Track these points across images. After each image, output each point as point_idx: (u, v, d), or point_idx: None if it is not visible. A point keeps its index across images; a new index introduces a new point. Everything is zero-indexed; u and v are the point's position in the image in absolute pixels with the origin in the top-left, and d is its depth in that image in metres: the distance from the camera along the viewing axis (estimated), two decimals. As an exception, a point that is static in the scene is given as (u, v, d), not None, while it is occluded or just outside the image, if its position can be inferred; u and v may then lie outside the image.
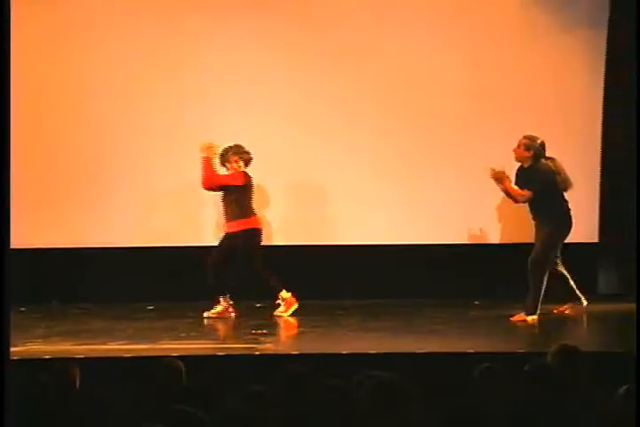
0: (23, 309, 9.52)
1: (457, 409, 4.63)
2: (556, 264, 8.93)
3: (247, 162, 9.17)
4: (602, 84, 10.00)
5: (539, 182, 8.66)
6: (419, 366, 6.45)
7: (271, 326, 8.60)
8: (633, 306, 8.92)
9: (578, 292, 8.96)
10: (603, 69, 10.00)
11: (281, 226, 10.09)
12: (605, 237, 10.10)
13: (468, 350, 7.35)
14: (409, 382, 4.81)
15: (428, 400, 4.82)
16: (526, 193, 8.70)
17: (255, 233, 9.19)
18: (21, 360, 7.14)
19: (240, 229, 9.11)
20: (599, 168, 10.05)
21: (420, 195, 10.04)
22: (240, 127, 9.84)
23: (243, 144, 9.21)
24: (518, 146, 8.76)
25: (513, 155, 8.80)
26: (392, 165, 10.04)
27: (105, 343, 8.04)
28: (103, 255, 9.85)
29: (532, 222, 8.93)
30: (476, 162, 9.77)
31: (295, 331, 8.44)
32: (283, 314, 9.08)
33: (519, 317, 8.73)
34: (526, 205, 8.86)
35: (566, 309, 9.02)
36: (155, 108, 10.05)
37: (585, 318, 9.07)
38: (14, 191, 9.35)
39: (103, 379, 5.93)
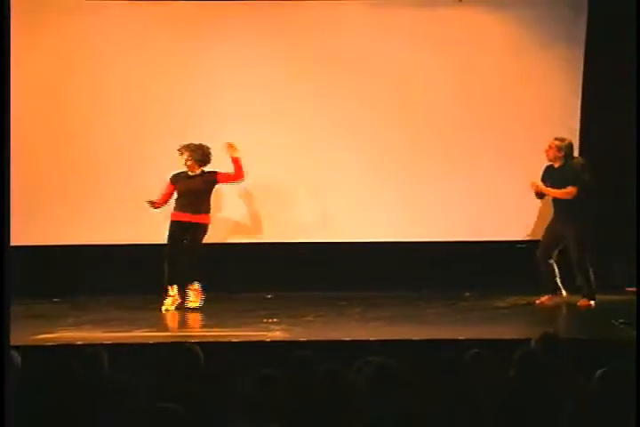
0: (56, 299, 9.53)
1: (448, 391, 4.62)
2: (550, 257, 8.95)
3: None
4: (579, 94, 9.97)
5: (579, 178, 8.71)
6: (414, 352, 6.43)
7: (281, 315, 8.56)
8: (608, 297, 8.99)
9: (560, 284, 8.97)
10: (580, 81, 9.97)
11: (296, 224, 10.04)
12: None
13: (459, 337, 7.34)
14: (405, 367, 4.80)
15: (422, 383, 4.82)
16: (572, 190, 8.73)
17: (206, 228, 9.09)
18: (54, 346, 7.18)
19: (201, 221, 9.02)
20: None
21: (416, 197, 10.02)
22: (246, 130, 9.76)
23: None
24: (550, 148, 8.82)
25: (544, 155, 8.89)
26: (394, 170, 10.02)
27: (130, 331, 8.04)
28: (117, 251, 9.80)
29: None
30: (469, 164, 9.83)
31: (302, 320, 8.40)
32: (194, 305, 8.91)
33: (585, 302, 8.82)
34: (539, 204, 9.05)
35: (547, 299, 8.99)
36: (156, 111, 9.95)
37: (565, 308, 9.05)
38: (22, 190, 9.51)
39: (129, 363, 5.92)
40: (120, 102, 9.97)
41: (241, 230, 10.09)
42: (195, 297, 8.95)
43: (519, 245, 9.85)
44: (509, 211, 9.76)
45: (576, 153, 9.69)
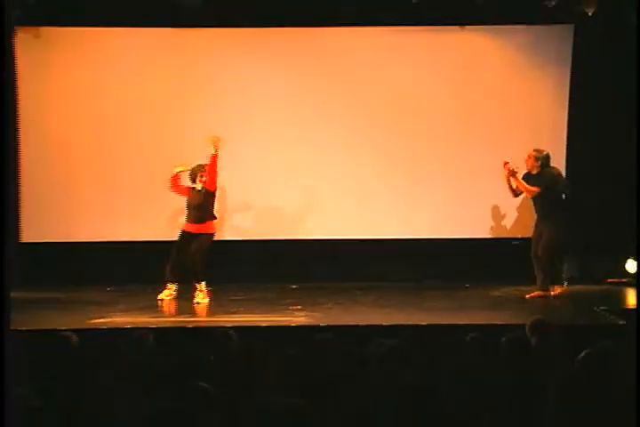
0: (109, 288, 9.57)
1: (449, 369, 4.63)
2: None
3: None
4: (566, 108, 9.99)
5: (545, 182, 8.72)
6: (420, 335, 6.44)
7: (304, 303, 8.58)
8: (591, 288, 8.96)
9: (549, 282, 8.91)
10: (567, 97, 9.98)
11: (321, 224, 10.07)
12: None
13: (459, 323, 7.35)
14: (412, 348, 4.82)
15: (427, 362, 4.83)
16: (534, 189, 8.72)
17: (212, 236, 8.88)
18: (107, 329, 7.22)
19: (206, 231, 8.81)
20: (564, 174, 10.03)
21: (423, 200, 10.04)
22: (268, 134, 9.89)
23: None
24: (529, 157, 8.83)
25: (525, 164, 8.87)
26: (405, 178, 10.06)
27: (172, 316, 8.08)
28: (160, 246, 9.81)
29: (526, 220, 9.02)
30: (469, 171, 9.83)
31: (323, 307, 8.42)
32: (204, 302, 8.74)
33: (536, 293, 8.77)
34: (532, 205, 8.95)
35: (537, 295, 8.91)
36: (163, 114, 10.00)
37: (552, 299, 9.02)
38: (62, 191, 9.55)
39: (172, 344, 5.95)
40: (138, 111, 10.00)
41: (270, 229, 10.12)
42: (203, 296, 8.74)
43: (514, 242, 9.85)
44: (504, 212, 9.77)
45: (564, 161, 9.74)
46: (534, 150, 8.86)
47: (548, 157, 8.86)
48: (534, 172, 8.84)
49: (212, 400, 3.57)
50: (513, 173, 8.79)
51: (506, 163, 8.78)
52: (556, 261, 8.82)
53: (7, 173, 4.44)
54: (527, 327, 5.55)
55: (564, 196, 8.87)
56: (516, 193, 9.00)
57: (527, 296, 8.85)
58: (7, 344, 3.52)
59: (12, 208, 9.89)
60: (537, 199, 8.84)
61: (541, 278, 8.88)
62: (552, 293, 8.85)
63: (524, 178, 8.88)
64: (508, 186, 8.95)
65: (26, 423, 2.84)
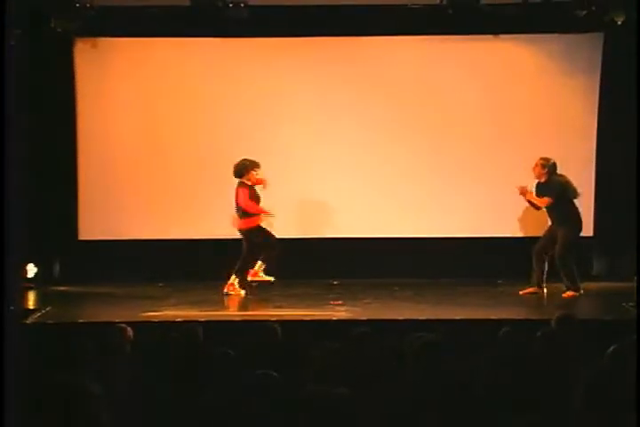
0: (161, 284, 9.64)
1: (484, 361, 4.63)
2: (546, 254, 8.76)
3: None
4: (595, 114, 9.92)
5: (554, 192, 8.61)
6: (455, 329, 6.43)
7: (345, 298, 8.58)
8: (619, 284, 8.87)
9: (544, 280, 8.75)
10: (596, 102, 9.92)
11: (363, 223, 10.06)
12: (598, 232, 10.02)
13: (492, 317, 7.32)
14: (447, 342, 4.81)
15: (462, 355, 4.82)
16: (546, 200, 8.66)
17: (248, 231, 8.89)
18: (159, 322, 7.28)
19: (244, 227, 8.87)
20: (594, 178, 9.98)
21: (456, 198, 10.02)
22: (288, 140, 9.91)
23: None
24: (536, 165, 8.73)
25: (532, 173, 8.77)
26: (441, 180, 10.05)
27: (221, 310, 8.12)
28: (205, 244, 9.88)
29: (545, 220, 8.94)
30: (497, 175, 9.79)
31: (362, 302, 8.41)
32: (234, 293, 8.80)
33: (569, 293, 8.56)
34: (545, 211, 8.82)
35: (531, 291, 8.75)
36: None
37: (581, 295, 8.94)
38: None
39: (220, 337, 5.98)
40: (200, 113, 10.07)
41: (314, 227, 10.16)
42: (232, 288, 8.81)
43: None
44: (533, 212, 9.67)
45: (593, 165, 9.66)
46: (541, 158, 8.73)
47: (554, 165, 8.71)
48: (542, 180, 8.71)
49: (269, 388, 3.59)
50: (524, 193, 8.69)
51: (517, 187, 8.67)
52: (571, 263, 8.65)
53: (7, 172, 4.47)
54: (553, 321, 5.53)
55: (575, 201, 8.73)
56: (537, 207, 8.89)
57: (521, 292, 8.72)
58: (7, 344, 3.55)
59: (71, 208, 10.04)
60: (549, 207, 8.76)
61: (537, 275, 8.73)
62: (522, 292, 8.70)
63: (536, 187, 8.78)
64: (528, 204, 8.89)
65: (84, 411, 2.88)
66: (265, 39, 9.98)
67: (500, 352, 4.92)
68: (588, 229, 9.88)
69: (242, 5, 9.27)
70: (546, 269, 8.76)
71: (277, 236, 9.07)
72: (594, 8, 9.11)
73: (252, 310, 8.30)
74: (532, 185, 8.83)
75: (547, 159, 8.73)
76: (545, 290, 8.77)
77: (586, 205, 9.77)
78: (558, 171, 8.77)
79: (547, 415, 3.71)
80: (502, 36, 9.98)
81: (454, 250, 9.85)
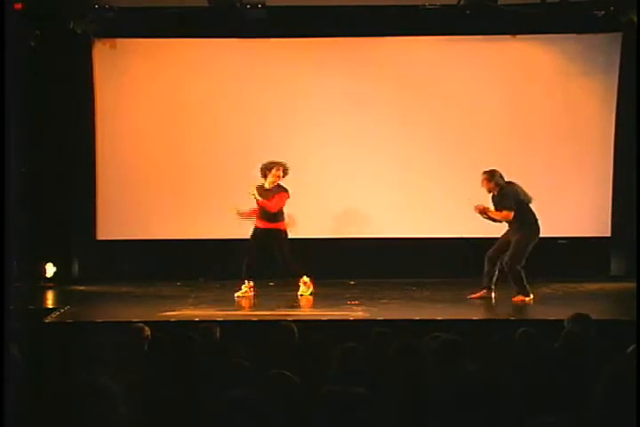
0: (179, 283, 9.65)
1: (502, 361, 4.59)
2: (499, 258, 8.49)
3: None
4: (614, 113, 9.90)
5: (509, 201, 8.37)
6: (473, 329, 6.39)
7: (362, 298, 8.55)
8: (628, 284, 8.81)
9: (494, 283, 8.54)
10: (614, 101, 9.90)
11: (382, 224, 10.07)
12: (616, 233, 9.96)
13: (511, 318, 7.28)
14: (465, 341, 4.78)
15: (480, 354, 4.78)
16: (505, 213, 8.38)
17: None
18: (176, 321, 7.27)
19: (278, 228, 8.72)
20: (612, 179, 9.91)
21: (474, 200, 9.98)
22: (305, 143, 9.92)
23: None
24: (483, 180, 8.43)
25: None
26: (460, 182, 9.96)
27: (238, 310, 8.11)
28: (225, 244, 9.85)
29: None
30: (518, 176, 9.72)
31: (379, 302, 8.39)
32: (305, 293, 8.73)
33: (519, 298, 8.33)
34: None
35: (481, 294, 8.53)
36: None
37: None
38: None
39: (236, 336, 5.97)
40: (229, 115, 10.09)
41: (332, 228, 10.13)
42: (305, 288, 8.74)
43: (560, 241, 9.73)
44: (550, 212, 9.61)
45: (611, 166, 9.59)
46: (484, 172, 8.43)
47: (500, 176, 8.42)
48: (495, 192, 8.45)
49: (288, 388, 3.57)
50: (484, 211, 8.44)
51: (475, 208, 8.43)
52: (519, 269, 8.37)
53: (7, 172, 4.50)
54: (567, 321, 5.50)
55: (530, 205, 8.54)
56: (498, 221, 8.58)
57: (469, 296, 8.50)
58: (6, 343, 3.55)
59: (90, 209, 10.06)
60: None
61: (487, 278, 8.49)
62: (471, 296, 8.50)
63: (491, 201, 8.50)
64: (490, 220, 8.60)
65: (101, 409, 2.87)
66: (282, 40, 10.00)
67: (516, 352, 4.88)
68: (605, 230, 9.86)
69: (259, 6, 9.28)
70: (496, 273, 8.50)
71: (296, 236, 9.08)
72: (612, 8, 9.06)
73: (269, 310, 8.28)
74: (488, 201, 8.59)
75: (490, 172, 8.44)
76: (493, 294, 8.51)
77: (603, 206, 9.75)
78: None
79: (564, 416, 3.68)
80: (519, 36, 9.95)
81: (472, 250, 9.78)
